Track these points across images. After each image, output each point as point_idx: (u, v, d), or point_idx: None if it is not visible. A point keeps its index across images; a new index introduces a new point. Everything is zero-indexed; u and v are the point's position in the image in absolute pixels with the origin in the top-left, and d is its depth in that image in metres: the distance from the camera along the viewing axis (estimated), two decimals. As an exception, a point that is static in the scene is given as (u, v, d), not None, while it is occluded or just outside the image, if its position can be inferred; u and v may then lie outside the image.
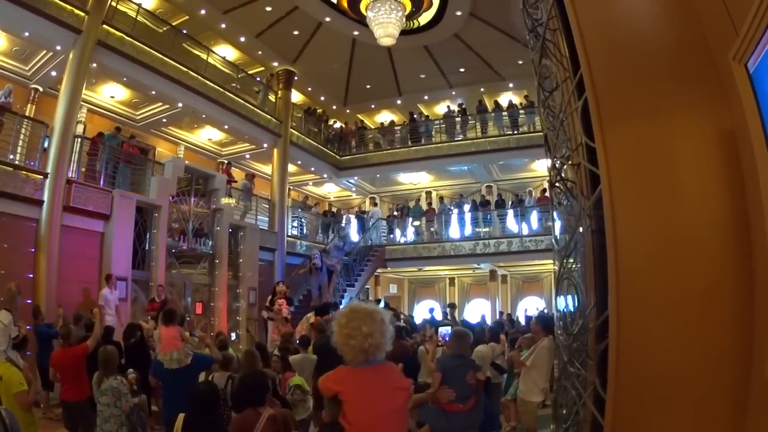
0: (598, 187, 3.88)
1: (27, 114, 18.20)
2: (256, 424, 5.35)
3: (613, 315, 3.71)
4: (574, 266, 4.69)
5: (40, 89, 19.91)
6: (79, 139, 17.55)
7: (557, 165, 4.94)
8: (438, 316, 24.61)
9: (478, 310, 30.75)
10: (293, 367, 10.16)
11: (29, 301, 14.35)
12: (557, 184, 4.97)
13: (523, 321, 22.74)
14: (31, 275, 15.06)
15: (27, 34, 16.85)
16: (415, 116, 32.70)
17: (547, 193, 27.57)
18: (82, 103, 18.33)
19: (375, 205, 35.00)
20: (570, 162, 4.72)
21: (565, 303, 4.84)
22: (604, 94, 3.87)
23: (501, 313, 29.35)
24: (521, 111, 29.75)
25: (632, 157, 3.80)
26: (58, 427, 10.20)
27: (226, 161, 28.02)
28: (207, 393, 5.84)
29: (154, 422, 10.62)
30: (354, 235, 31.77)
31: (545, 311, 25.09)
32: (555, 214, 5.13)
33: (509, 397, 11.57)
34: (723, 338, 3.51)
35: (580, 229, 4.48)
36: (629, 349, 3.67)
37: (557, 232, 5.07)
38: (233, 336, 18.34)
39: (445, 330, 10.06)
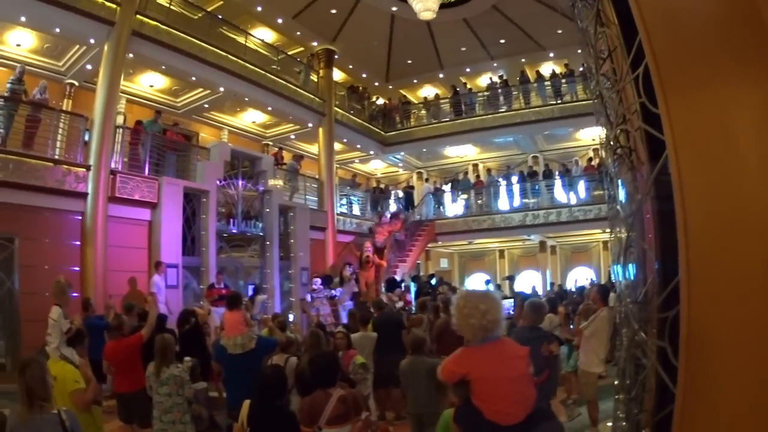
0: (663, 153, 3.80)
1: (64, 109, 18.37)
2: (326, 405, 5.33)
3: (683, 282, 3.67)
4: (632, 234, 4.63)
5: (76, 84, 20.11)
6: (120, 130, 17.70)
7: (617, 133, 4.87)
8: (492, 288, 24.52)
9: (528, 282, 30.61)
10: (354, 345, 10.14)
11: (76, 295, 14.45)
12: (618, 151, 4.91)
13: (575, 292, 22.53)
14: (77, 268, 15.20)
15: (58, 30, 16.91)
16: (458, 89, 32.54)
17: (593, 162, 27.63)
18: (120, 93, 18.41)
19: (426, 181, 34.80)
20: (628, 129, 4.66)
21: (633, 271, 4.80)
22: (663, 61, 3.81)
23: (552, 284, 29.29)
24: (563, 80, 29.50)
25: (695, 125, 3.74)
26: (111, 419, 10.10)
27: (271, 143, 28.13)
28: (274, 377, 5.78)
29: (212, 408, 10.64)
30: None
31: (595, 281, 24.97)
32: (619, 182, 5.04)
33: (569, 369, 11.49)
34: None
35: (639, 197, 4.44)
36: (698, 316, 3.64)
37: (622, 199, 4.99)
38: (290, 317, 18.34)
39: (507, 303, 9.99)
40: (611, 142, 4.99)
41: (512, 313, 10.92)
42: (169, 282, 16.16)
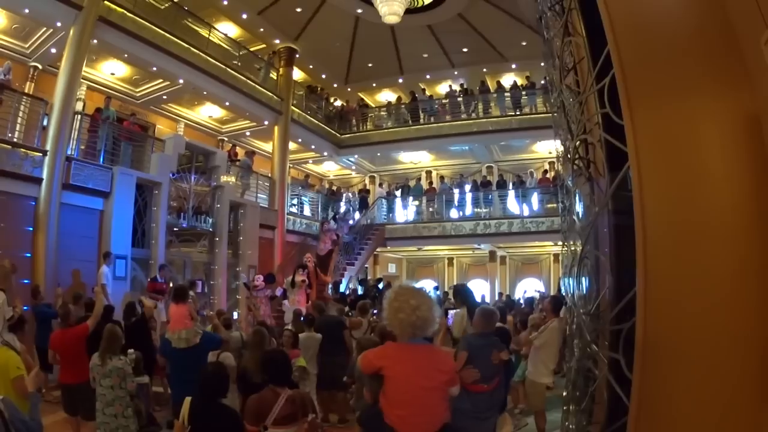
0: (624, 165, 3.82)
1: (26, 92, 18.04)
2: (274, 404, 5.25)
3: (640, 294, 3.71)
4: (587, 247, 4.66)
5: (40, 67, 19.77)
6: (79, 116, 17.41)
7: (577, 144, 4.89)
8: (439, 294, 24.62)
9: (477, 291, 30.71)
10: (299, 346, 10.09)
11: (27, 281, 14.30)
12: (576, 162, 4.93)
13: (523, 303, 22.65)
14: (29, 254, 14.96)
15: (27, 11, 16.65)
16: (417, 95, 32.73)
17: (549, 175, 27.85)
18: (81, 80, 18.23)
19: (380, 186, 34.90)
20: (588, 140, 4.69)
21: (586, 283, 4.85)
22: (631, 72, 3.85)
23: (500, 294, 29.42)
24: (524, 92, 29.72)
25: (659, 137, 3.79)
26: (56, 410, 9.99)
27: (226, 139, 28.01)
28: (216, 375, 5.69)
29: (154, 404, 10.49)
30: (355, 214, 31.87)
31: (544, 293, 25.13)
32: (577, 194, 5.06)
33: (517, 378, 11.52)
34: (749, 320, 3.49)
35: (596, 209, 4.48)
36: (656, 329, 3.66)
37: (579, 211, 5.01)
38: (234, 315, 18.22)
39: (451, 312, 9.97)
40: (570, 153, 5.01)
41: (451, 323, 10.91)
42: (117, 273, 15.92)
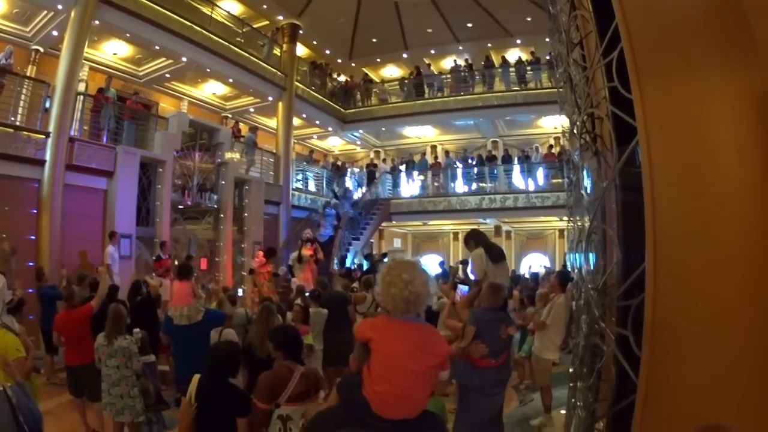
0: (633, 140, 3.77)
1: (28, 75, 18.02)
2: (288, 381, 5.21)
3: (650, 269, 3.66)
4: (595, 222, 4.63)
5: (41, 50, 19.76)
6: (81, 97, 17.39)
7: (584, 119, 4.85)
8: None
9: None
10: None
11: (32, 264, 14.31)
12: (584, 137, 4.89)
13: (529, 278, 22.64)
14: (34, 237, 15.00)
15: (27, -6, 16.51)
16: (421, 70, 32.57)
17: (554, 150, 27.78)
18: (84, 61, 18.16)
19: (384, 161, 34.79)
20: (595, 114, 4.65)
21: (593, 258, 4.86)
22: (639, 45, 3.79)
23: None
24: (528, 67, 29.65)
25: (668, 110, 3.74)
26: (62, 393, 10.07)
27: (230, 116, 27.95)
28: (228, 353, 5.63)
29: (160, 383, 10.48)
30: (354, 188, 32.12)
31: (550, 268, 25.14)
32: (585, 169, 5.02)
33: (523, 354, 11.50)
34: (761, 297, 3.44)
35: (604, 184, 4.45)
36: (665, 305, 3.63)
37: (587, 186, 4.97)
38: (240, 291, 18.19)
39: (463, 287, 10.00)
40: (577, 128, 4.97)
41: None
42: (122, 252, 15.93)
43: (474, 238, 9.77)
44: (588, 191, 4.92)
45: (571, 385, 5.69)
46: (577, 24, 5.08)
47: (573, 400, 5.43)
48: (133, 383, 7.47)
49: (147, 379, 7.97)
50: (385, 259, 23.84)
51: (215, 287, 11.04)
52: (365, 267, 22.57)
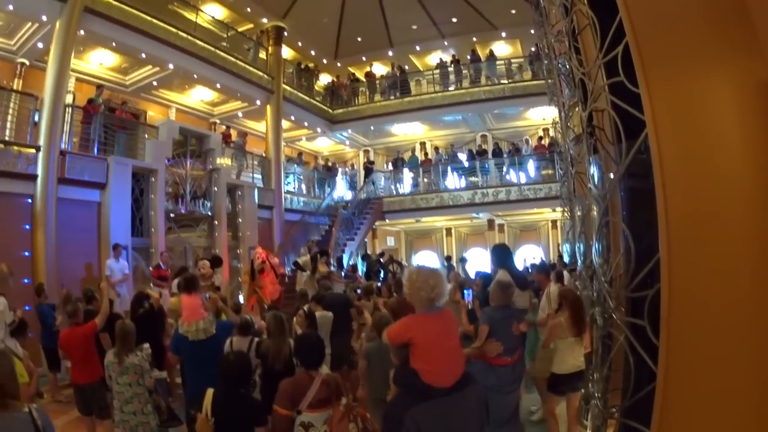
0: (642, 132, 3.79)
1: (14, 89, 17.97)
2: (309, 388, 5.31)
3: (664, 262, 3.67)
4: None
5: (27, 63, 19.66)
6: (70, 109, 17.32)
7: (583, 114, 4.89)
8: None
9: (476, 260, 30.69)
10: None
11: (28, 281, 14.25)
12: (588, 131, 4.94)
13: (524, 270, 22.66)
14: (28, 253, 14.88)
15: (11, 7, 16.45)
16: (405, 68, 32.88)
17: (544, 141, 27.85)
18: (70, 72, 17.97)
19: (372, 163, 34.69)
20: (597, 108, 4.68)
21: (601, 249, 5.00)
22: (644, 40, 3.81)
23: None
24: (514, 59, 29.86)
25: (676, 104, 3.75)
26: (69, 410, 9.97)
27: (219, 121, 27.96)
28: (239, 365, 5.65)
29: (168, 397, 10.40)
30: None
31: (543, 260, 25.22)
32: (591, 161, 5.07)
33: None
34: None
35: (611, 176, 4.54)
36: (681, 296, 3.67)
37: (595, 178, 5.01)
38: (240, 298, 18.12)
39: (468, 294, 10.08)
40: (569, 120, 4.99)
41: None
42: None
43: (498, 256, 9.83)
44: (596, 182, 4.94)
45: (589, 376, 5.76)
46: (573, 17, 5.09)
47: (591, 389, 5.48)
48: (146, 400, 7.43)
49: (159, 395, 7.95)
50: (382, 259, 23.94)
51: (213, 295, 10.87)
52: (360, 268, 22.58)
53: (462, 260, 18.99)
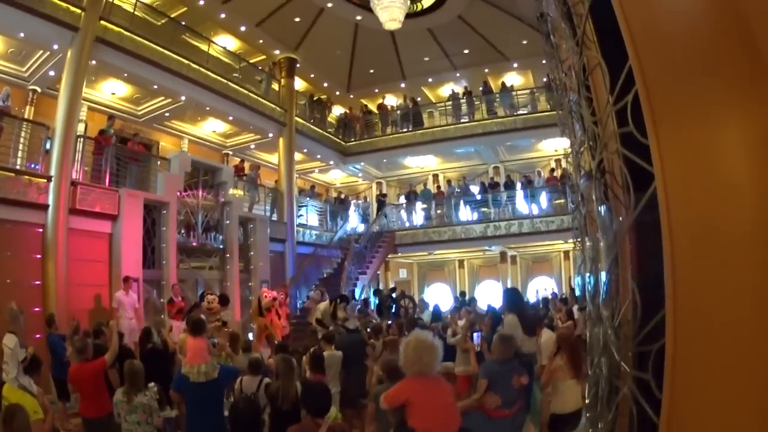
0: (651, 184, 3.71)
1: (26, 116, 18.14)
2: None
3: (669, 318, 3.56)
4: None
5: (39, 90, 19.71)
6: (82, 139, 17.37)
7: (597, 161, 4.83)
8: (449, 302, 24.65)
9: (488, 292, 30.54)
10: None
11: (38, 309, 14.21)
12: (597, 178, 4.89)
13: (535, 303, 22.50)
14: (38, 282, 14.83)
15: (22, 34, 16.60)
16: (417, 100, 33.00)
17: (556, 173, 27.85)
18: (82, 101, 18.07)
19: (384, 196, 34.75)
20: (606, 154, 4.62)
21: (607, 299, 4.83)
22: (656, 90, 3.72)
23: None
24: (521, 92, 30.20)
25: (686, 156, 3.64)
26: (78, 441, 9.94)
27: (231, 152, 27.99)
28: (249, 411, 5.70)
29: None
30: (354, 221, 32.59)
31: (555, 293, 25.07)
32: (600, 210, 5.01)
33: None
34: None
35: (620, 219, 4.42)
36: (686, 353, 3.51)
37: (605, 222, 4.96)
38: (249, 335, 17.95)
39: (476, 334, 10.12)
40: (579, 157, 4.96)
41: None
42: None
43: (509, 299, 9.89)
44: (605, 230, 4.88)
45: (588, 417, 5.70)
46: (583, 57, 5.05)
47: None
48: (155, 438, 7.39)
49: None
50: (394, 294, 23.79)
51: (221, 341, 10.78)
52: (372, 303, 22.44)
53: (473, 300, 18.97)
